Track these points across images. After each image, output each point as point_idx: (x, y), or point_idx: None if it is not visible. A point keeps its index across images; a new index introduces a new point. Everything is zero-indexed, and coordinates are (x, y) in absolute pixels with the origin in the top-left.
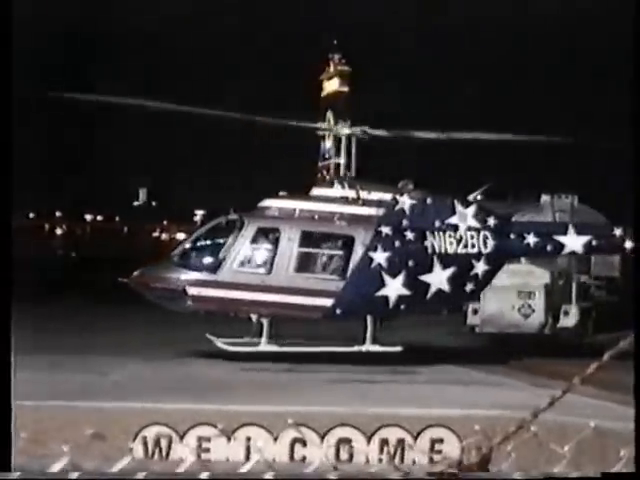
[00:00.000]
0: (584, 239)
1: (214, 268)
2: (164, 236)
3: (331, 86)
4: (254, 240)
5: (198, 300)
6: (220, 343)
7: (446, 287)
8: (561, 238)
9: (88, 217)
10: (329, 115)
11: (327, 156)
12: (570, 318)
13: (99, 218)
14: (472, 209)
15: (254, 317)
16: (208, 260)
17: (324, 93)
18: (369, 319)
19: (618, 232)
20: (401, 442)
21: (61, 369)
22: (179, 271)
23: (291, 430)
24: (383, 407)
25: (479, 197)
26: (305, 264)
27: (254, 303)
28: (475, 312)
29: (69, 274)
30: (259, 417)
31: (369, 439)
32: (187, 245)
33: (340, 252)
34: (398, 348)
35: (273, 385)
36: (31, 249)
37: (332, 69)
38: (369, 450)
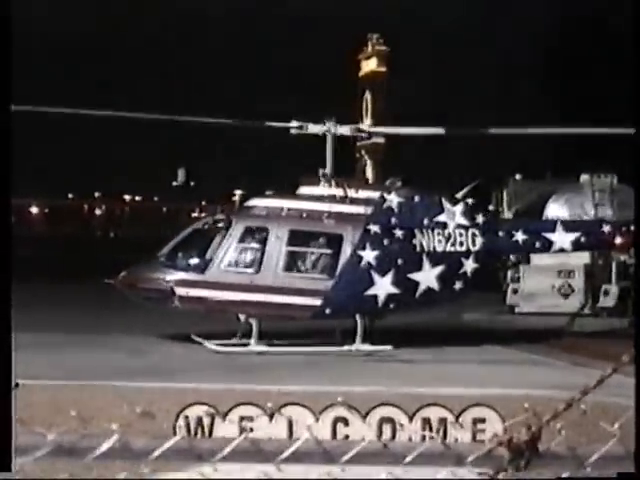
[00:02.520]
0: (572, 236)
1: (202, 268)
2: (204, 216)
3: (369, 66)
4: (242, 239)
5: (186, 300)
6: (209, 344)
7: (435, 285)
8: (549, 235)
9: (127, 197)
10: (367, 95)
11: (363, 136)
12: (610, 298)
13: (138, 198)
14: (460, 207)
15: (242, 317)
16: (195, 260)
17: (362, 73)
18: (358, 318)
19: (607, 228)
20: (443, 421)
21: (96, 348)
22: (166, 271)
23: (333, 409)
24: (424, 387)
25: (518, 175)
26: (293, 263)
27: (242, 303)
28: (515, 292)
29: (106, 254)
30: (301, 397)
31: (411, 418)
32: (174, 245)
33: (329, 251)
34: (389, 347)
35: (313, 365)
36: (70, 229)
37: (370, 49)
38: (411, 429)
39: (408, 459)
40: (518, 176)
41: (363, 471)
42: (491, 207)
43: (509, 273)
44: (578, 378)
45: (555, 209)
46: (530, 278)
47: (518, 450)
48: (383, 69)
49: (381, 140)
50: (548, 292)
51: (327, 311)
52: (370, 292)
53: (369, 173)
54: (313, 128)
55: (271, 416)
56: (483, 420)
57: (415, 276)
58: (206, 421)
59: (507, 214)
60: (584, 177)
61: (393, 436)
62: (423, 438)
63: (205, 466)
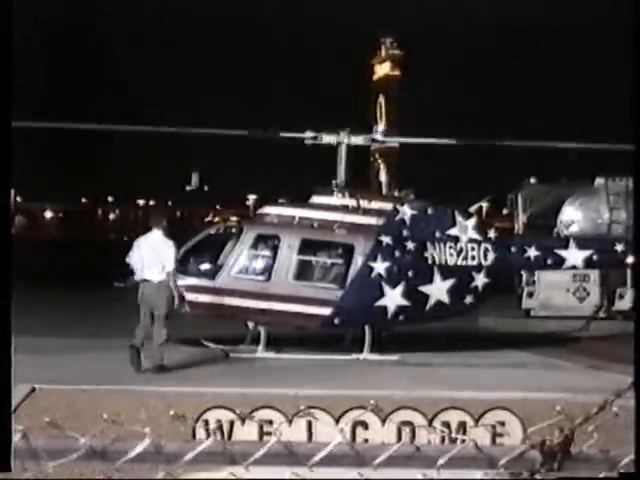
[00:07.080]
0: (585, 254)
1: (212, 274)
2: (216, 221)
3: (382, 70)
4: (253, 247)
5: (195, 306)
6: (216, 349)
7: (445, 298)
8: (562, 252)
9: (140, 202)
10: (381, 99)
11: (380, 140)
12: (625, 301)
13: (151, 203)
14: (473, 221)
15: (251, 324)
16: (206, 266)
17: (375, 77)
18: (367, 329)
19: (620, 247)
20: (462, 425)
21: (114, 353)
22: (177, 276)
23: (352, 413)
24: (443, 390)
25: (533, 179)
26: (304, 272)
27: (252, 310)
28: (530, 295)
29: (119, 258)
30: (318, 401)
31: (430, 422)
32: (185, 250)
33: (340, 261)
34: (396, 357)
35: (330, 369)
36: (83, 234)
37: (383, 53)
38: (431, 433)
39: (441, 461)
40: (533, 179)
41: (396, 473)
42: (505, 211)
43: (524, 276)
44: (595, 381)
45: (570, 213)
46: (545, 281)
47: (550, 453)
48: (397, 73)
49: (395, 144)
50: (563, 295)
51: (336, 321)
52: (380, 303)
53: (383, 177)
54: (327, 138)
55: (290, 421)
56: (503, 423)
57: (426, 289)
58: (226, 425)
59: (522, 217)
60: (599, 180)
61: (413, 440)
62: (442, 441)
63: (237, 468)
